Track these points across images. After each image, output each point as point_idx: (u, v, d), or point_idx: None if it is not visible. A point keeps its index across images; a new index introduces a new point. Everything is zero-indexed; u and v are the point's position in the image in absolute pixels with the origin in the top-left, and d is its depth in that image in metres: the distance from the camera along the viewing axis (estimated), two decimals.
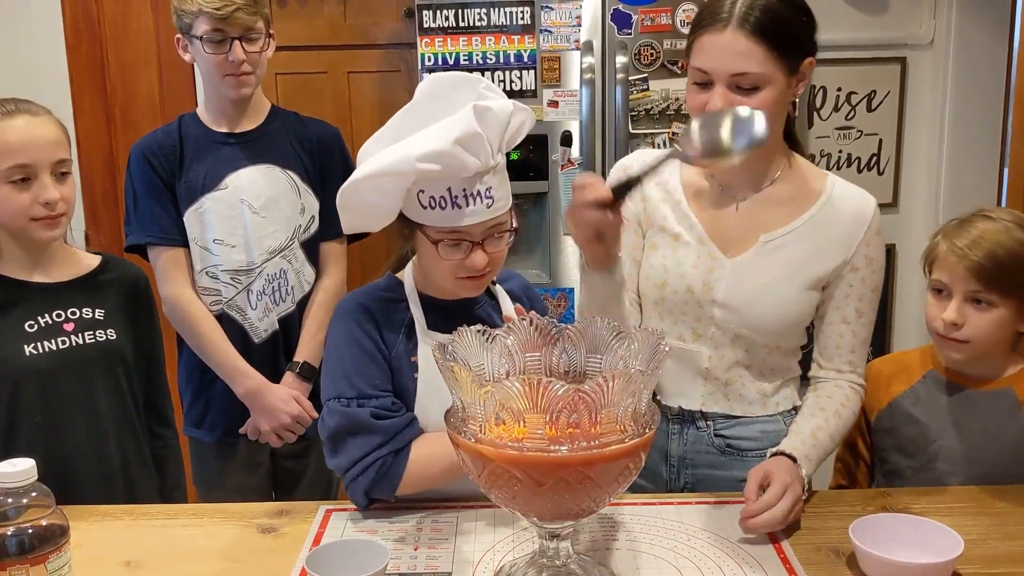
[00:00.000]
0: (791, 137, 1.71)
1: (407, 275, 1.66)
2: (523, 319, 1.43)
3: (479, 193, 1.50)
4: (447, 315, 1.62)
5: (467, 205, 1.50)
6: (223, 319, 2.23)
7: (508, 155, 1.59)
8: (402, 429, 1.56)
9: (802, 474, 1.53)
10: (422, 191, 1.51)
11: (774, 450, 1.58)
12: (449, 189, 1.49)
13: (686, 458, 1.75)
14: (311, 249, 2.29)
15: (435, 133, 1.47)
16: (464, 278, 1.56)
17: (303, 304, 2.29)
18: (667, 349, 1.26)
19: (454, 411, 1.28)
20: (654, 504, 1.62)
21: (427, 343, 1.60)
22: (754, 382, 1.70)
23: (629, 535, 1.51)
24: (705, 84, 1.56)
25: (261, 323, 2.25)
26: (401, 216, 1.55)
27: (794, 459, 1.55)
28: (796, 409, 1.73)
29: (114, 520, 1.59)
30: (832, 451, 1.63)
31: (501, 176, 1.55)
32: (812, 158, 1.78)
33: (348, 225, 1.58)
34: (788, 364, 1.73)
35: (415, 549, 1.48)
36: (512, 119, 1.54)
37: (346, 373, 1.58)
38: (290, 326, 2.27)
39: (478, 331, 1.38)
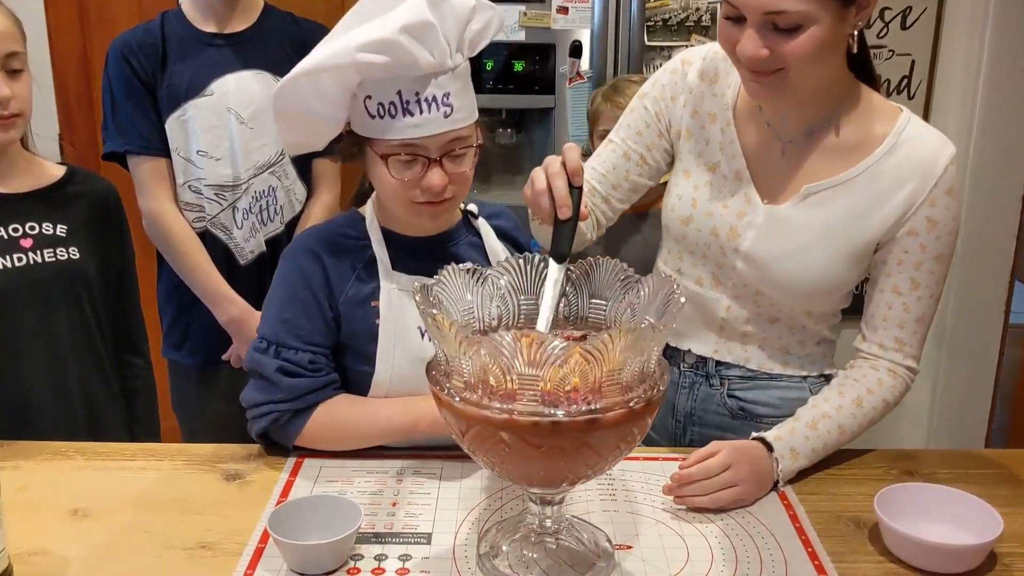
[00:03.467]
0: (863, 69, 1.44)
1: (369, 209, 1.50)
2: (518, 256, 1.27)
3: (435, 99, 1.33)
4: (415, 253, 1.46)
5: (420, 112, 1.33)
6: (206, 238, 2.08)
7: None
8: (310, 391, 1.43)
9: (774, 469, 1.37)
10: (369, 97, 1.34)
11: (754, 435, 1.41)
12: (399, 93, 1.32)
13: (694, 415, 1.60)
14: (303, 165, 2.12)
15: (380, 21, 1.29)
16: (422, 203, 1.39)
17: (292, 226, 2.14)
18: (683, 301, 1.10)
19: (436, 363, 1.13)
20: (657, 459, 1.49)
21: (391, 285, 1.44)
22: (778, 338, 1.54)
23: (628, 495, 1.38)
24: (736, 19, 1.32)
25: (247, 244, 2.09)
26: (350, 133, 1.38)
27: (770, 448, 1.38)
28: (826, 377, 1.57)
29: (65, 460, 1.46)
30: (841, 444, 1.44)
31: (463, 83, 1.37)
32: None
33: (288, 141, 1.42)
34: (819, 328, 1.55)
35: (393, 504, 1.35)
36: (475, 15, 1.36)
37: (275, 316, 1.46)
38: (278, 249, 2.10)
39: (466, 270, 1.23)
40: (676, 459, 1.47)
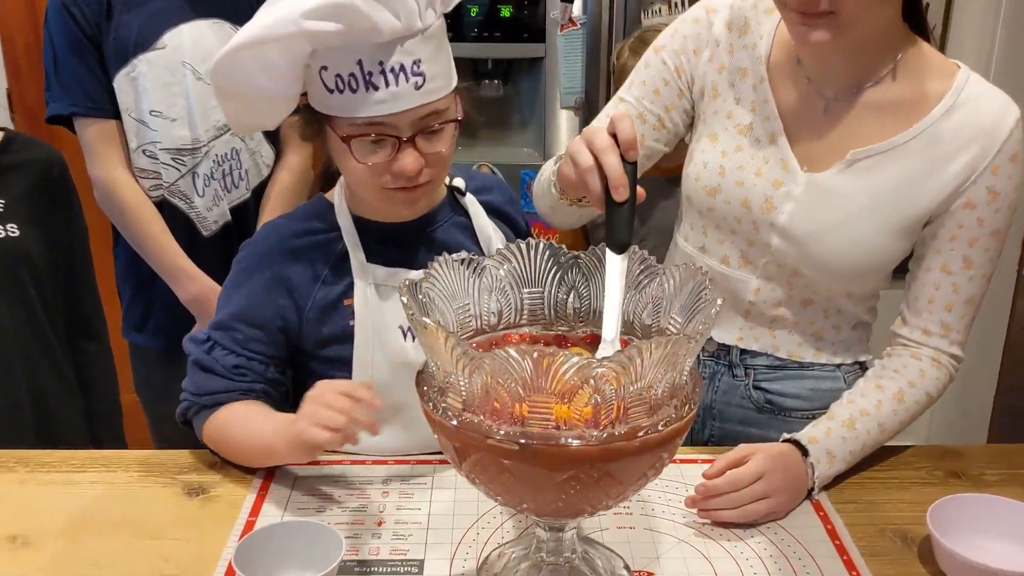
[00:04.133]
0: (915, 18, 1.26)
1: (337, 194, 1.31)
2: (520, 243, 1.09)
3: (403, 69, 1.13)
4: (393, 242, 1.28)
5: (387, 85, 1.13)
6: (164, 208, 1.87)
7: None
8: (217, 392, 1.26)
9: (809, 476, 1.22)
10: (325, 68, 1.14)
11: (786, 436, 1.26)
12: (360, 63, 1.13)
13: (714, 408, 1.44)
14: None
15: None
16: (394, 189, 1.21)
17: (260, 192, 1.94)
18: (719, 303, 0.93)
19: (429, 375, 0.96)
20: (674, 462, 1.32)
21: (366, 281, 1.27)
22: (810, 323, 1.37)
23: (645, 508, 1.22)
24: None
25: (210, 213, 1.89)
26: (307, 108, 1.19)
27: (805, 451, 1.23)
28: (861, 366, 1.41)
29: (4, 473, 1.27)
30: (879, 445, 1.29)
31: (436, 45, 1.17)
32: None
33: (235, 122, 1.22)
34: (858, 311, 1.38)
35: (379, 524, 1.18)
36: None
37: (222, 313, 1.30)
38: (245, 217, 1.92)
39: (460, 261, 1.05)
40: (696, 460, 1.31)
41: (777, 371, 1.40)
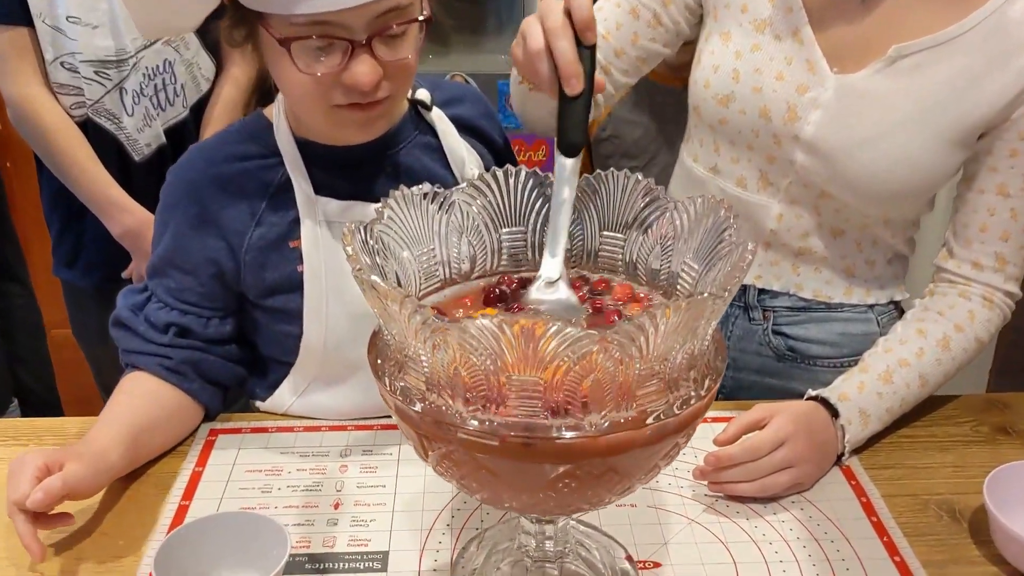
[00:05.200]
0: None
1: (277, 111, 1.09)
2: (496, 172, 0.88)
3: None
4: (346, 169, 1.07)
5: None
6: (89, 129, 1.64)
7: None
8: (132, 352, 1.09)
9: (839, 440, 1.04)
10: None
11: (812, 393, 1.07)
12: None
13: (728, 357, 1.24)
14: (209, 32, 1.67)
15: None
16: (345, 107, 0.99)
17: (200, 110, 1.71)
18: (752, 249, 0.73)
19: (382, 344, 0.76)
20: None
21: (315, 218, 1.06)
22: (840, 257, 1.18)
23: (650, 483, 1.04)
24: None
25: (141, 135, 1.66)
26: (233, 4, 0.96)
27: (834, 411, 1.05)
28: (897, 306, 1.23)
29: None
30: (921, 399, 1.11)
31: None
32: None
33: (141, 22, 0.99)
34: (895, 241, 1.19)
35: (335, 507, 1.00)
36: None
37: (154, 255, 1.11)
38: (183, 140, 1.69)
39: (423, 194, 0.84)
40: (706, 420, 1.13)
41: (800, 313, 1.21)
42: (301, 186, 1.05)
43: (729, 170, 1.16)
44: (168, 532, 0.95)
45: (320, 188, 1.06)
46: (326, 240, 1.06)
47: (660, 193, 0.86)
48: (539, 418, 0.67)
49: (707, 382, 0.73)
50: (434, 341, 0.66)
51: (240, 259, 1.06)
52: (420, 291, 0.86)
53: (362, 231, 0.77)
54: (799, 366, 1.22)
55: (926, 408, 1.15)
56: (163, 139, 1.68)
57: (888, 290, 1.21)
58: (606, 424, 0.67)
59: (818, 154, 1.09)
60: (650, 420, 0.68)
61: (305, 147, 1.06)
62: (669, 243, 0.85)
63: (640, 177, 0.86)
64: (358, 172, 1.07)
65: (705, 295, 0.66)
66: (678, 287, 0.84)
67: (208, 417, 1.14)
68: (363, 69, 0.94)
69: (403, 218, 0.83)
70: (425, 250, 0.85)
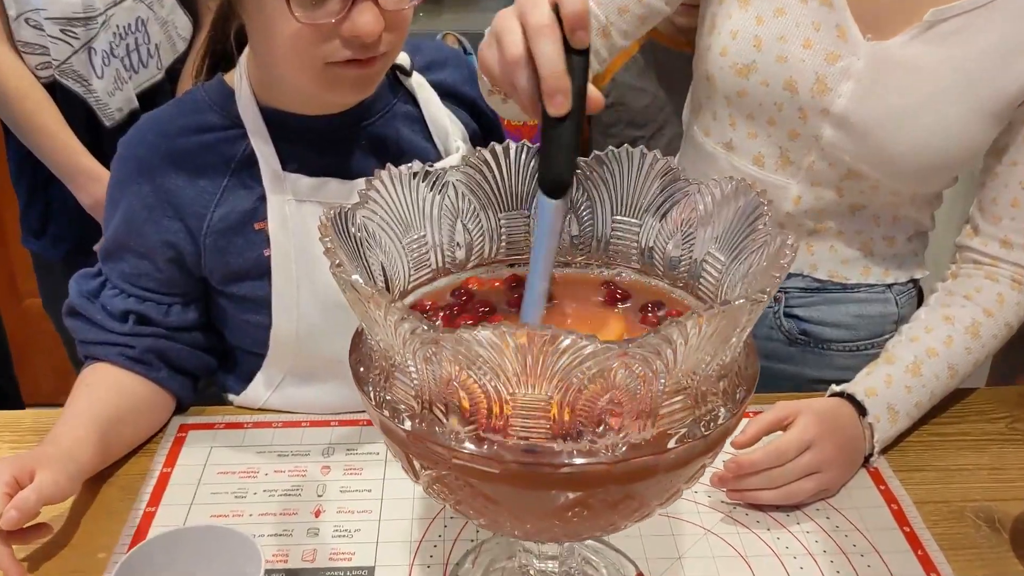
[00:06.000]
0: None
1: (240, 76, 0.98)
2: (495, 147, 0.78)
3: None
4: (317, 142, 0.97)
5: None
6: (57, 92, 1.53)
7: None
8: (89, 343, 0.99)
9: (867, 439, 0.95)
10: None
11: (836, 389, 0.98)
12: None
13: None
14: None
15: None
16: (342, 64, 0.88)
17: (176, 72, 1.60)
18: (792, 244, 0.64)
19: (365, 348, 0.66)
20: None
21: (283, 197, 0.96)
22: (857, 233, 1.09)
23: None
24: None
25: (112, 99, 1.55)
26: None
27: (864, 410, 0.95)
28: (914, 283, 1.14)
29: None
30: (950, 390, 1.02)
31: None
32: None
33: None
34: (920, 216, 1.10)
35: (316, 515, 0.91)
36: None
37: (106, 235, 1.01)
38: (157, 103, 1.57)
39: (412, 174, 0.74)
40: None
41: (814, 295, 1.13)
42: (267, 161, 0.95)
43: (745, 147, 1.06)
44: (132, 543, 0.86)
45: (288, 163, 0.96)
46: (295, 221, 0.96)
47: (680, 174, 0.76)
48: (547, 441, 0.58)
49: (739, 394, 0.64)
50: (425, 353, 0.56)
51: (200, 242, 0.96)
52: (410, 283, 0.76)
53: (342, 219, 0.67)
54: (811, 350, 1.14)
55: (954, 401, 1.07)
56: (136, 103, 1.57)
57: (907, 268, 1.13)
58: (623, 449, 0.58)
59: (849, 129, 0.99)
60: (672, 443, 0.59)
61: (271, 117, 0.96)
62: (691, 230, 0.76)
63: (659, 155, 0.76)
64: (330, 145, 0.97)
65: (742, 301, 0.56)
66: (701, 281, 0.75)
67: (180, 407, 1.05)
68: (367, 18, 0.84)
69: (390, 201, 0.73)
70: (415, 237, 0.75)
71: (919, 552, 0.88)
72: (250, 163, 0.96)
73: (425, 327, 0.55)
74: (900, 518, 0.91)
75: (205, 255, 0.97)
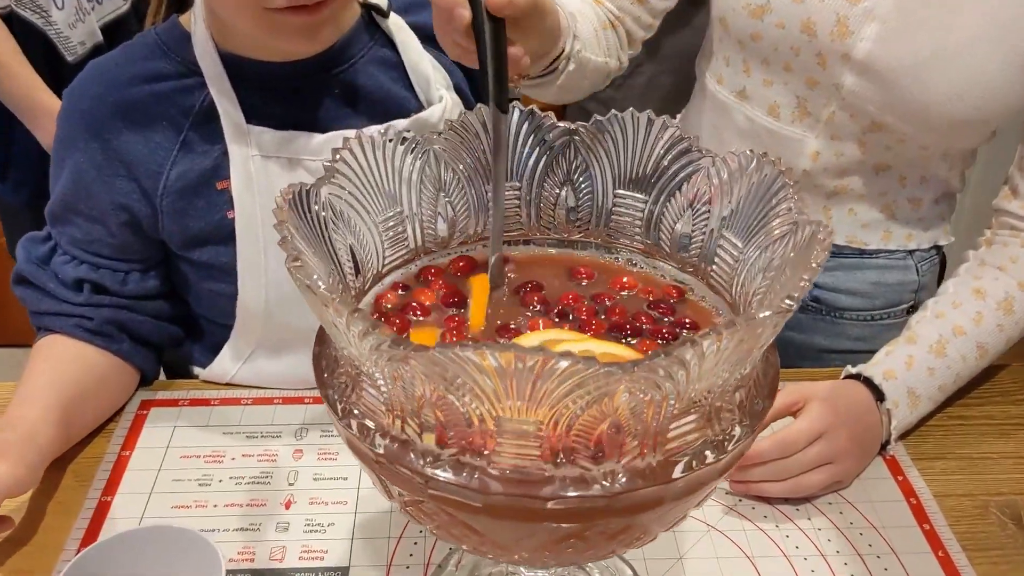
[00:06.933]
0: None
1: (195, 20, 0.87)
2: (483, 109, 0.69)
3: None
4: (284, 90, 0.87)
5: None
6: (15, 25, 1.44)
7: None
8: (43, 314, 0.90)
9: (884, 426, 0.88)
10: None
11: (852, 370, 0.90)
12: None
13: None
14: None
15: None
16: (284, 11, 0.78)
17: (142, 2, 1.48)
18: (831, 233, 0.55)
19: (329, 352, 0.58)
20: None
21: (247, 151, 0.86)
22: (881, 195, 1.00)
23: None
24: None
25: (73, 32, 1.45)
26: None
27: (881, 395, 0.88)
28: (938, 250, 1.06)
29: None
30: (978, 372, 0.93)
31: None
32: None
33: None
34: (950, 176, 1.01)
35: (286, 507, 0.84)
36: None
37: (53, 196, 0.91)
38: (122, 37, 1.46)
39: (389, 138, 0.65)
40: None
41: (830, 260, 1.04)
42: (228, 112, 0.85)
43: (759, 95, 0.97)
44: (84, 539, 0.79)
45: (252, 115, 0.86)
46: (261, 180, 0.86)
47: (691, 144, 0.67)
48: (536, 469, 0.50)
49: (757, 404, 0.56)
50: (393, 371, 0.48)
51: (156, 204, 0.87)
52: (385, 265, 0.67)
53: (302, 199, 0.58)
54: (823, 318, 1.07)
55: (977, 380, 0.99)
56: (99, 37, 1.46)
57: (932, 233, 1.05)
58: (624, 480, 0.50)
59: (873, 76, 0.89)
60: (680, 470, 0.51)
61: (232, 63, 0.86)
62: (702, 207, 0.67)
63: (668, 121, 0.67)
64: (299, 94, 0.87)
65: (767, 314, 0.48)
66: (714, 268, 0.66)
67: (144, 381, 0.97)
68: None
69: (361, 174, 0.64)
70: (392, 214, 0.66)
71: (940, 553, 0.81)
72: (209, 116, 0.86)
73: (390, 343, 0.46)
74: (919, 514, 0.84)
75: (162, 218, 0.88)
